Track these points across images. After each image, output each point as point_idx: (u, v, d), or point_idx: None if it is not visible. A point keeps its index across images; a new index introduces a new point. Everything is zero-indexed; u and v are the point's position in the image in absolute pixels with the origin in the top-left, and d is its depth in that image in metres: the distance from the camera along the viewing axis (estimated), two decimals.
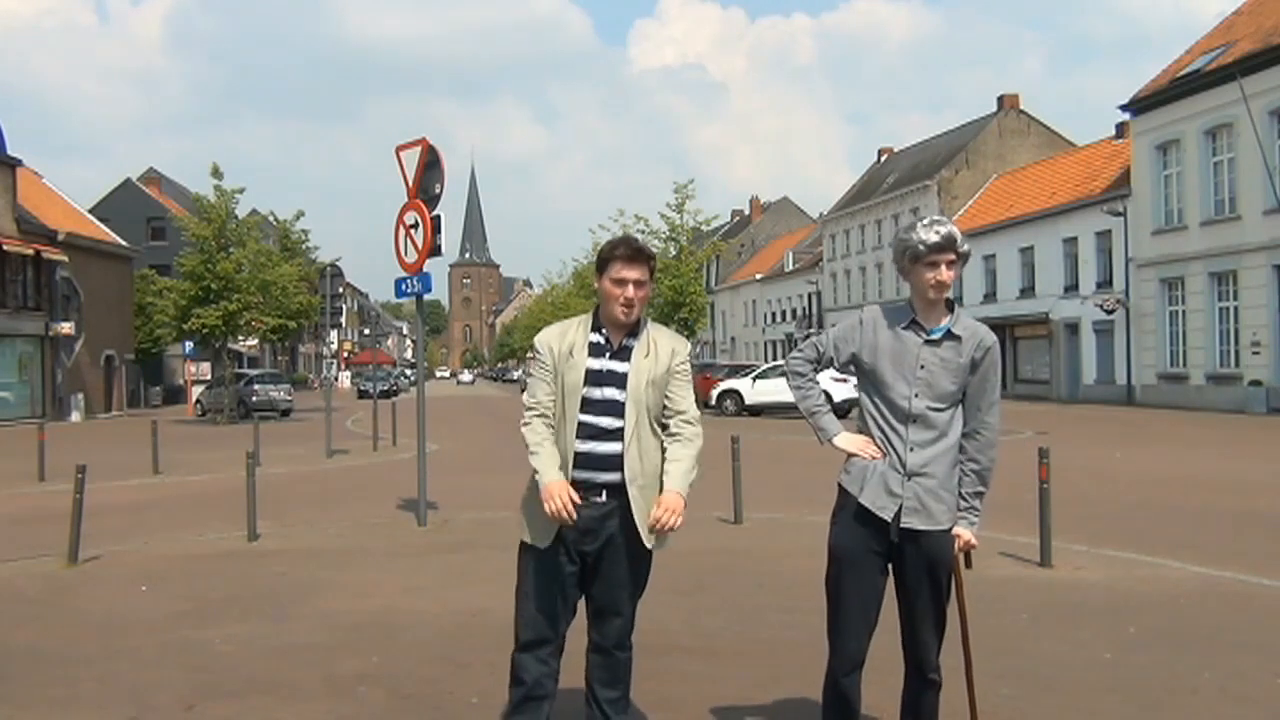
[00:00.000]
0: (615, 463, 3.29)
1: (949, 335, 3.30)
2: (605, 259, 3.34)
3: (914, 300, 3.34)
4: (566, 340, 3.38)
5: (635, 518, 3.29)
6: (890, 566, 3.36)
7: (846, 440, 3.36)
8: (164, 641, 5.56)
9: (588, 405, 3.30)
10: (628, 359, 3.35)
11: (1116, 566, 7.26)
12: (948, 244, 3.22)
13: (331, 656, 5.20)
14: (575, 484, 3.25)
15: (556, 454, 3.30)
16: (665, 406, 3.38)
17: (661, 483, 3.32)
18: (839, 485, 3.40)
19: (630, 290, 3.30)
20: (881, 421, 3.30)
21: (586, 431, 3.30)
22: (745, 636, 5.53)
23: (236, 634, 5.68)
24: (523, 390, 3.27)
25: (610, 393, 3.31)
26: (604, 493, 3.30)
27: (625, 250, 3.33)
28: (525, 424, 3.41)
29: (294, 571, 7.45)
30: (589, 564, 3.36)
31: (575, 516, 3.21)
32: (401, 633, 5.66)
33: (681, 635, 5.47)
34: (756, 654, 5.18)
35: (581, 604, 3.47)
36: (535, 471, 3.32)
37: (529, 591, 3.37)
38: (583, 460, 3.29)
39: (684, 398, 3.41)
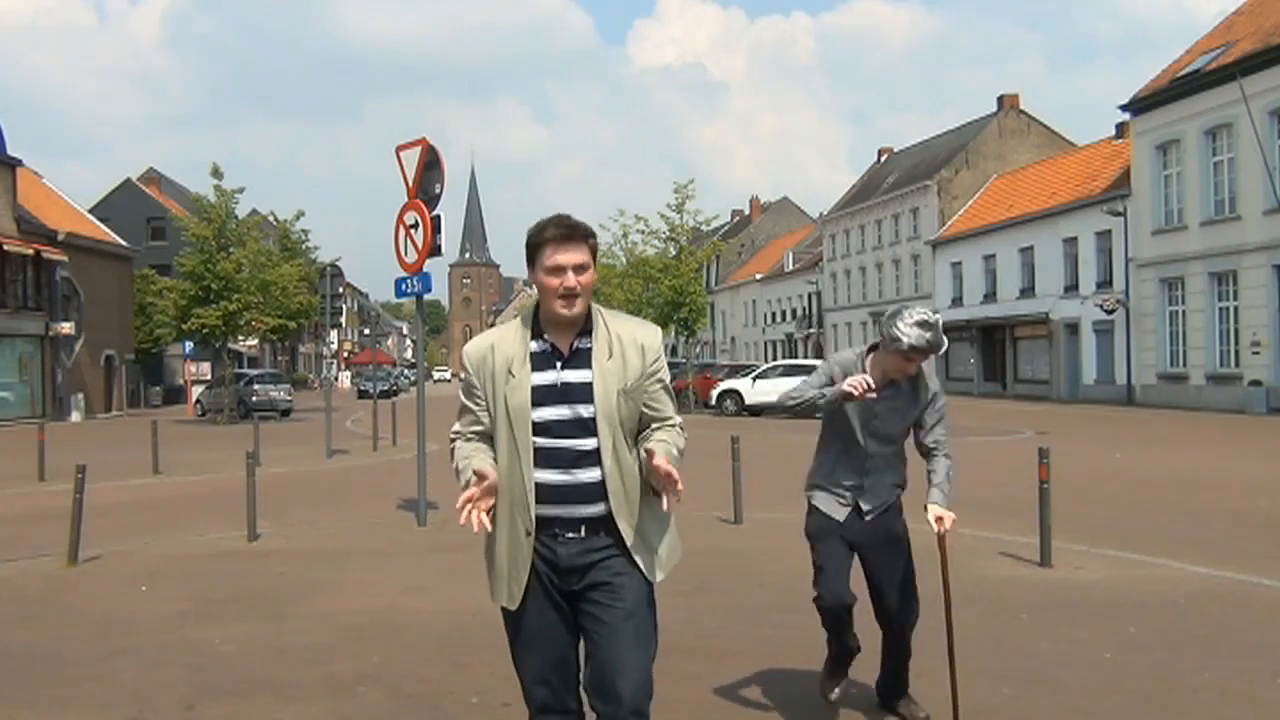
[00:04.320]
0: (595, 493, 2.69)
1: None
2: (534, 245, 2.70)
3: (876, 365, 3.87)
4: (501, 354, 2.74)
5: (634, 552, 2.73)
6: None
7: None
8: (164, 641, 5.56)
9: (544, 429, 2.68)
10: (587, 364, 2.71)
11: (1116, 566, 7.26)
12: (927, 351, 3.67)
13: (331, 656, 5.21)
14: (543, 522, 2.70)
15: (490, 458, 2.75)
16: (644, 417, 2.78)
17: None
18: None
19: (570, 277, 2.66)
20: None
21: (554, 460, 2.68)
22: (745, 636, 5.53)
23: (236, 634, 5.68)
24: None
25: (571, 410, 2.69)
26: (582, 528, 2.71)
27: (556, 230, 2.68)
28: (451, 451, 2.85)
29: (294, 571, 7.45)
30: (578, 609, 2.77)
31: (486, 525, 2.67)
32: (401, 633, 5.66)
33: (681, 635, 5.46)
34: (756, 654, 5.17)
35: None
36: (462, 489, 2.69)
37: (525, 651, 2.80)
38: (553, 494, 2.69)
39: (666, 404, 2.82)
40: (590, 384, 2.70)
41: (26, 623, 6.11)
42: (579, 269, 2.67)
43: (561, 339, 2.74)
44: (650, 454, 2.62)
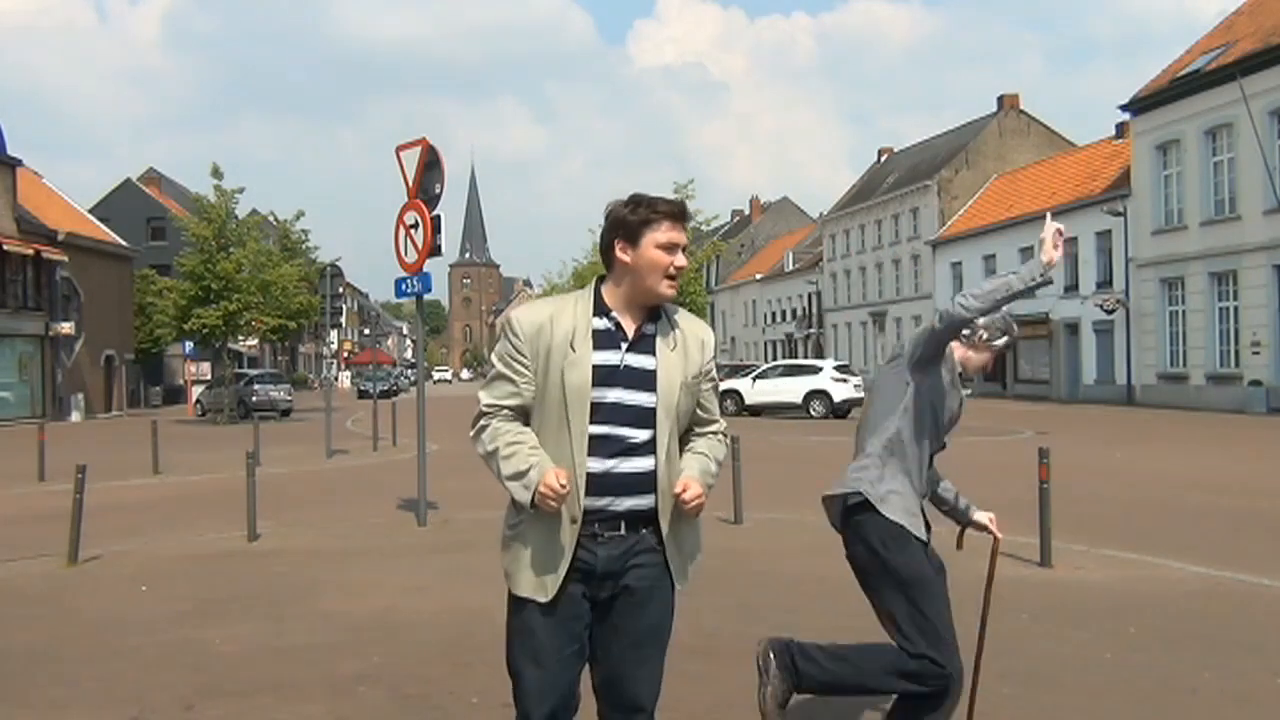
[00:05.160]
0: (643, 484, 2.56)
1: None
2: (644, 220, 2.55)
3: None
4: (561, 326, 2.56)
5: (669, 554, 2.62)
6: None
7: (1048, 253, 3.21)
8: (164, 641, 5.56)
9: (599, 413, 2.53)
10: (651, 351, 2.58)
11: (1116, 566, 7.26)
12: (1012, 344, 3.49)
13: (331, 656, 5.20)
14: (587, 514, 2.54)
15: (540, 450, 2.55)
16: (694, 416, 2.70)
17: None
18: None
19: (680, 257, 2.56)
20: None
21: (605, 448, 2.53)
22: (745, 636, 5.52)
23: (236, 634, 5.68)
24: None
25: (631, 396, 2.55)
26: (622, 524, 2.57)
27: (671, 207, 2.58)
28: (479, 429, 2.61)
29: (294, 571, 7.45)
30: (597, 614, 2.64)
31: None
32: (401, 633, 5.66)
33: (681, 635, 5.42)
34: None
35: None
36: (513, 477, 2.51)
37: (532, 658, 2.59)
38: (600, 484, 2.53)
39: (715, 406, 2.75)
40: (654, 372, 2.57)
41: (26, 623, 6.11)
42: (686, 250, 2.61)
43: (629, 321, 2.61)
44: (683, 486, 2.55)
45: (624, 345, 2.58)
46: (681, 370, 2.60)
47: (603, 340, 2.57)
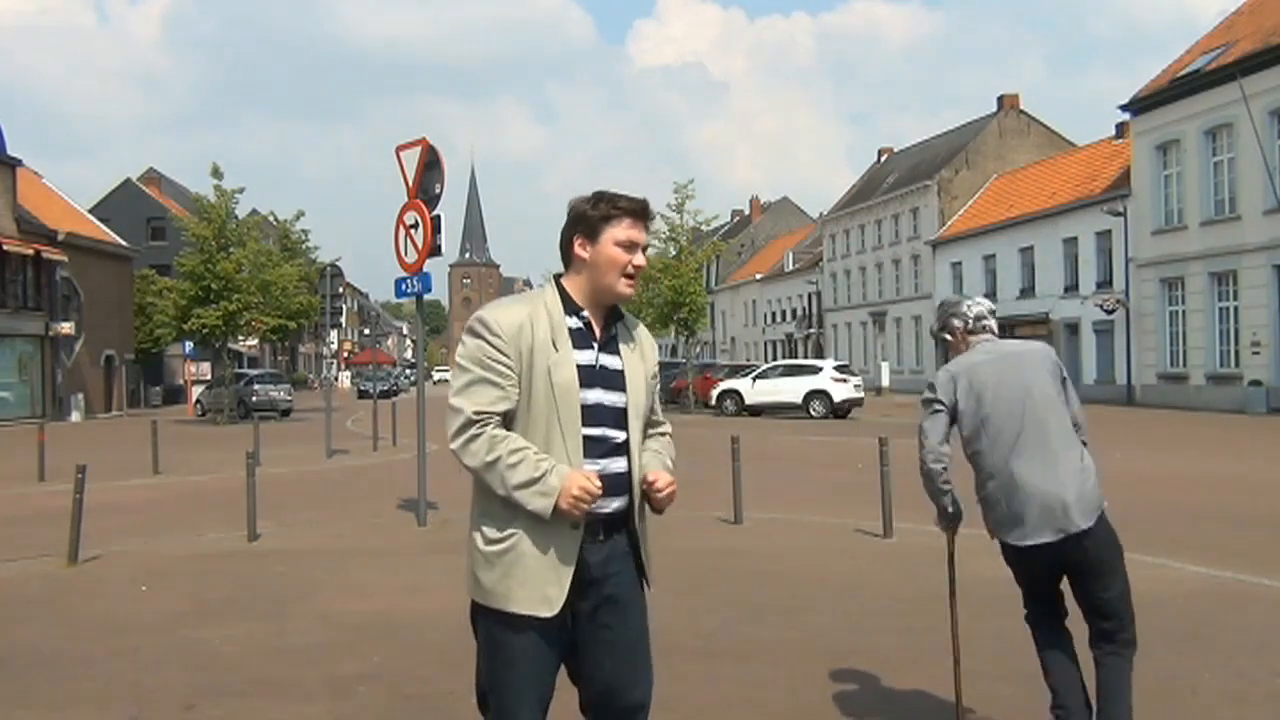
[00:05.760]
0: (622, 485, 2.52)
1: None
2: (604, 216, 2.50)
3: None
4: (540, 324, 2.47)
5: (643, 554, 2.58)
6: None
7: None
8: (164, 641, 5.56)
9: (585, 414, 2.47)
10: (616, 352, 2.56)
11: None
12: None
13: (331, 656, 5.21)
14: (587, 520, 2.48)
15: (548, 456, 2.44)
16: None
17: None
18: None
19: (640, 256, 2.52)
20: None
21: (595, 449, 2.48)
22: (745, 636, 5.53)
23: (236, 634, 5.68)
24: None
25: (606, 396, 2.51)
26: (601, 529, 2.51)
27: (633, 204, 2.52)
28: (469, 438, 2.44)
29: (294, 571, 7.45)
30: (577, 628, 2.53)
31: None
32: (401, 633, 5.66)
33: (681, 635, 5.46)
34: (756, 654, 5.18)
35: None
36: (524, 485, 2.39)
37: (537, 680, 2.49)
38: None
39: (659, 407, 2.76)
40: (622, 372, 2.55)
41: (26, 623, 6.11)
42: (645, 249, 2.57)
43: (598, 320, 2.56)
44: (655, 476, 2.54)
45: (595, 345, 2.54)
46: (642, 371, 2.60)
47: (577, 339, 2.51)
